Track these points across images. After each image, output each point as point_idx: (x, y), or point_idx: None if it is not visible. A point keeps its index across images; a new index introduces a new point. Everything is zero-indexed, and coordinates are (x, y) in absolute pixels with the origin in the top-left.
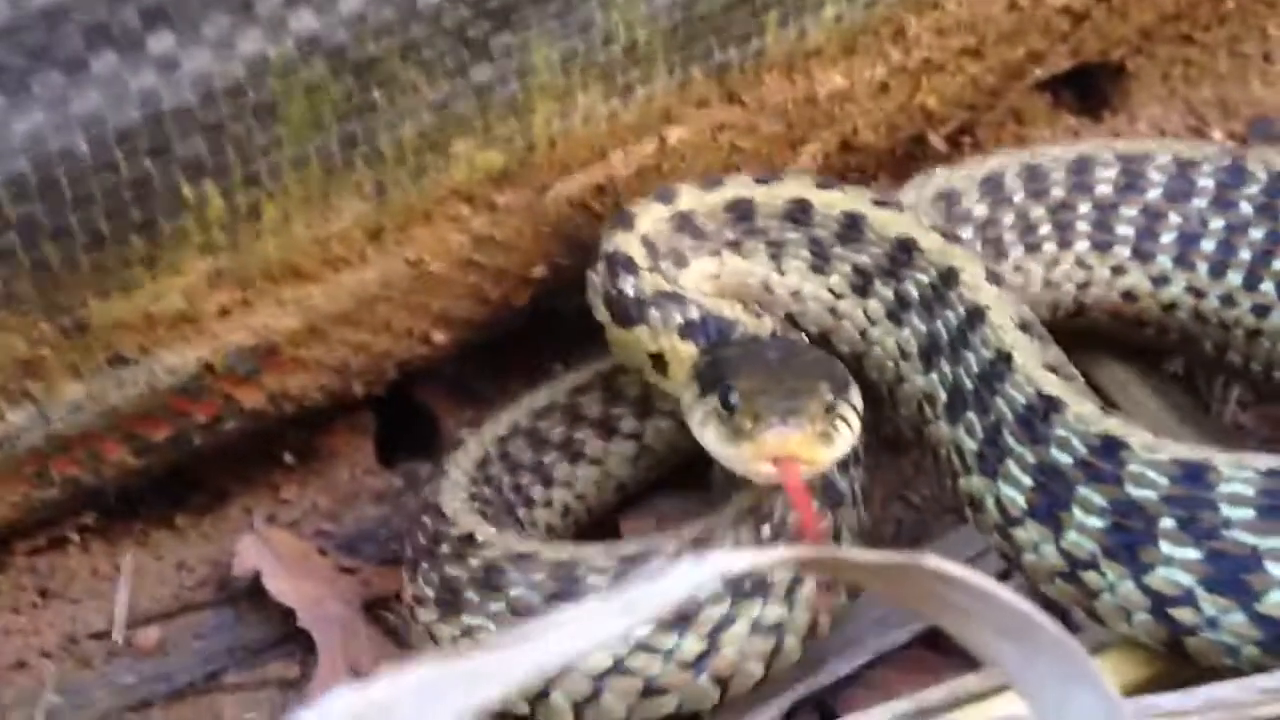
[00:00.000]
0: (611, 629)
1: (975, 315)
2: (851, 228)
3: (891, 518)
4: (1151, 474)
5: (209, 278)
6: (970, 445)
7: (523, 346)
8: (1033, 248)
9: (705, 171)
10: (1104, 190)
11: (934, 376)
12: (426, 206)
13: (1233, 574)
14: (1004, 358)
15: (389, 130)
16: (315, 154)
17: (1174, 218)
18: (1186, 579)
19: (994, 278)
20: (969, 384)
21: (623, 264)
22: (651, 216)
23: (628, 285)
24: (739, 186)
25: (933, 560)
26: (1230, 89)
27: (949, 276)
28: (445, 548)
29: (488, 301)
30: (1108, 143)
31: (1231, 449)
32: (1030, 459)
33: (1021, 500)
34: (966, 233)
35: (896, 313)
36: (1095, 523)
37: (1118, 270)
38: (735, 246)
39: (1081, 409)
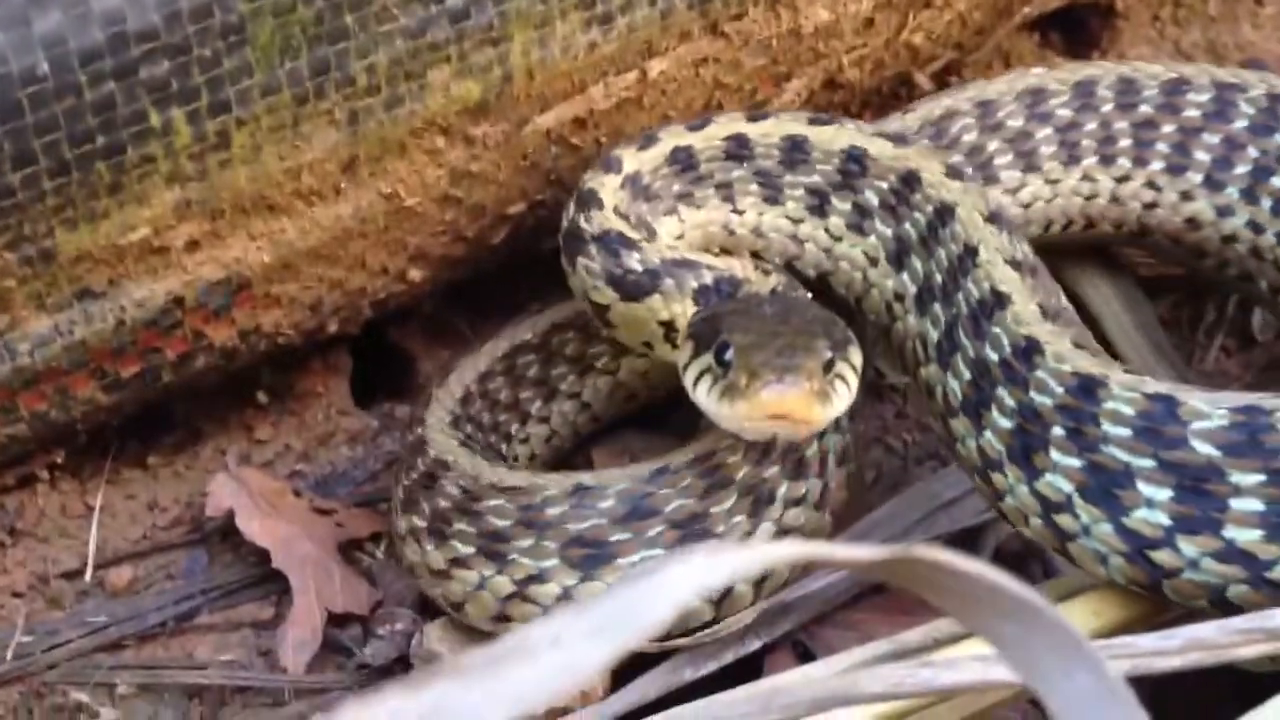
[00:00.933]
0: (592, 657)
1: (944, 212)
2: (795, 150)
3: (872, 463)
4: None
5: (177, 208)
6: (933, 336)
7: (500, 286)
8: (1107, 159)
9: (687, 107)
10: (1191, 114)
11: (904, 276)
12: (401, 138)
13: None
14: (971, 251)
15: (361, 57)
16: (286, 80)
17: (1252, 151)
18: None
19: (955, 173)
20: (939, 278)
21: (618, 240)
22: (610, 188)
23: (632, 260)
24: (673, 137)
25: (927, 550)
26: (1220, 32)
27: (909, 179)
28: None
29: (464, 238)
30: (1206, 67)
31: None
32: (1010, 402)
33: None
34: (1045, 131)
35: (858, 224)
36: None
37: (1186, 196)
38: (687, 198)
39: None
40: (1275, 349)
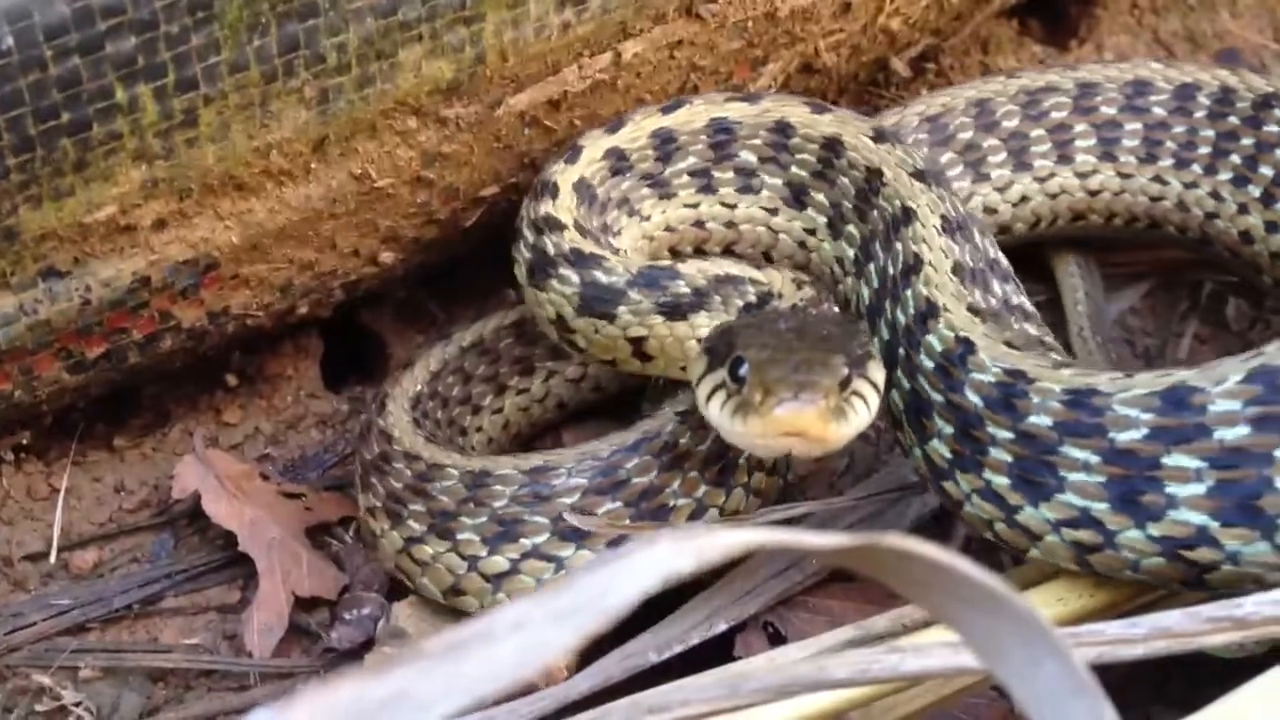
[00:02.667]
0: (554, 642)
1: (873, 176)
2: (720, 131)
3: (844, 450)
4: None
5: (144, 187)
6: (864, 294)
7: (472, 270)
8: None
9: (662, 90)
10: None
11: (842, 243)
12: (372, 118)
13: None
14: (907, 213)
15: (331, 34)
16: (254, 57)
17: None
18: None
19: (880, 136)
20: (878, 243)
21: (586, 258)
22: (566, 205)
23: (598, 274)
24: (597, 144)
25: (893, 538)
26: (1198, 20)
27: (832, 145)
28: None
29: (437, 221)
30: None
31: None
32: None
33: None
34: (1081, 125)
35: (790, 200)
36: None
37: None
38: (640, 199)
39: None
40: (1249, 337)
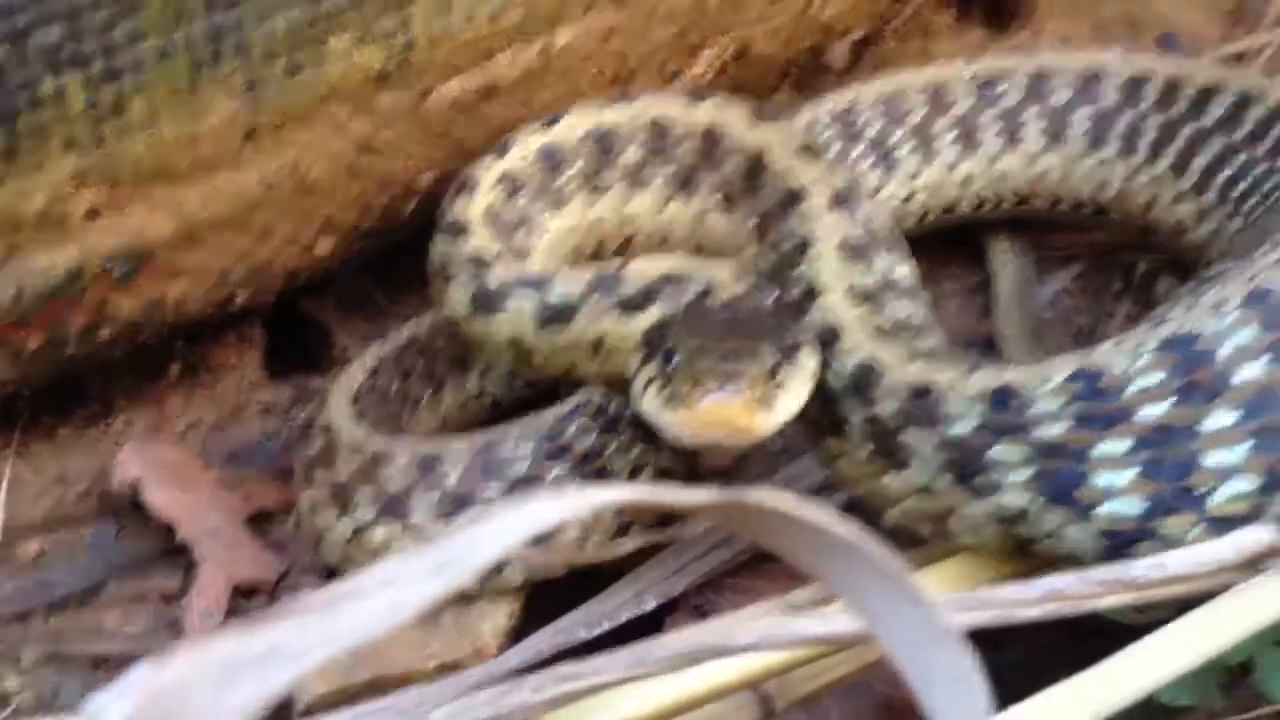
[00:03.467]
0: (423, 593)
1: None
2: (601, 137)
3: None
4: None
5: (74, 176)
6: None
7: (414, 257)
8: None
9: (598, 76)
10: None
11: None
12: (304, 107)
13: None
14: (794, 195)
15: (258, 22)
16: (181, 46)
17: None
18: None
19: (808, 152)
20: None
21: (533, 278)
22: (485, 239)
23: (553, 295)
24: (526, 143)
25: (759, 494)
26: (1136, 5)
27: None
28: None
29: (372, 210)
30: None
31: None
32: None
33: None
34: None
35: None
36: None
37: None
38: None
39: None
40: None
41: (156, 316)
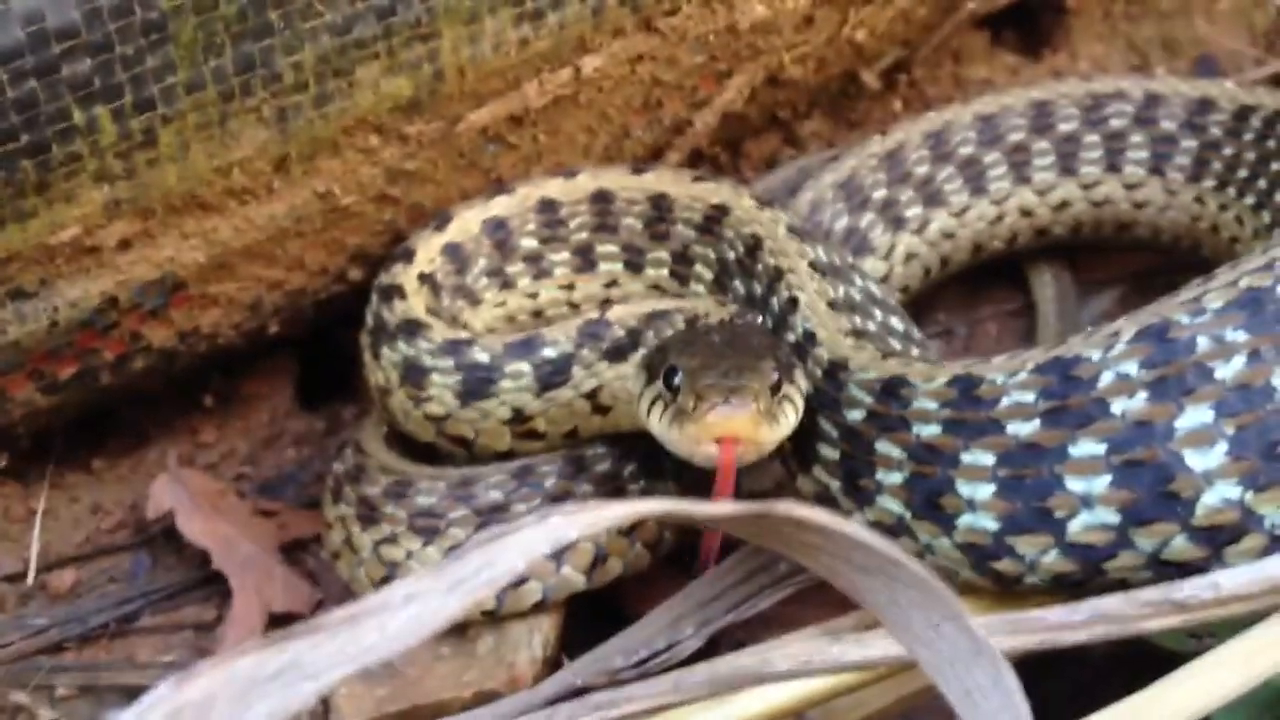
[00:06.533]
0: (443, 609)
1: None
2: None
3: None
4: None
5: (106, 207)
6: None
7: None
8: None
9: (625, 105)
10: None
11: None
12: (333, 136)
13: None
14: (756, 241)
15: (287, 53)
16: (211, 77)
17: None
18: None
19: (763, 203)
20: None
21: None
22: (424, 308)
23: (544, 350)
24: (464, 222)
25: (788, 506)
26: (1174, 26)
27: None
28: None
29: (404, 238)
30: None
31: None
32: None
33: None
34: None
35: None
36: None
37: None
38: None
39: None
40: None
41: (189, 347)
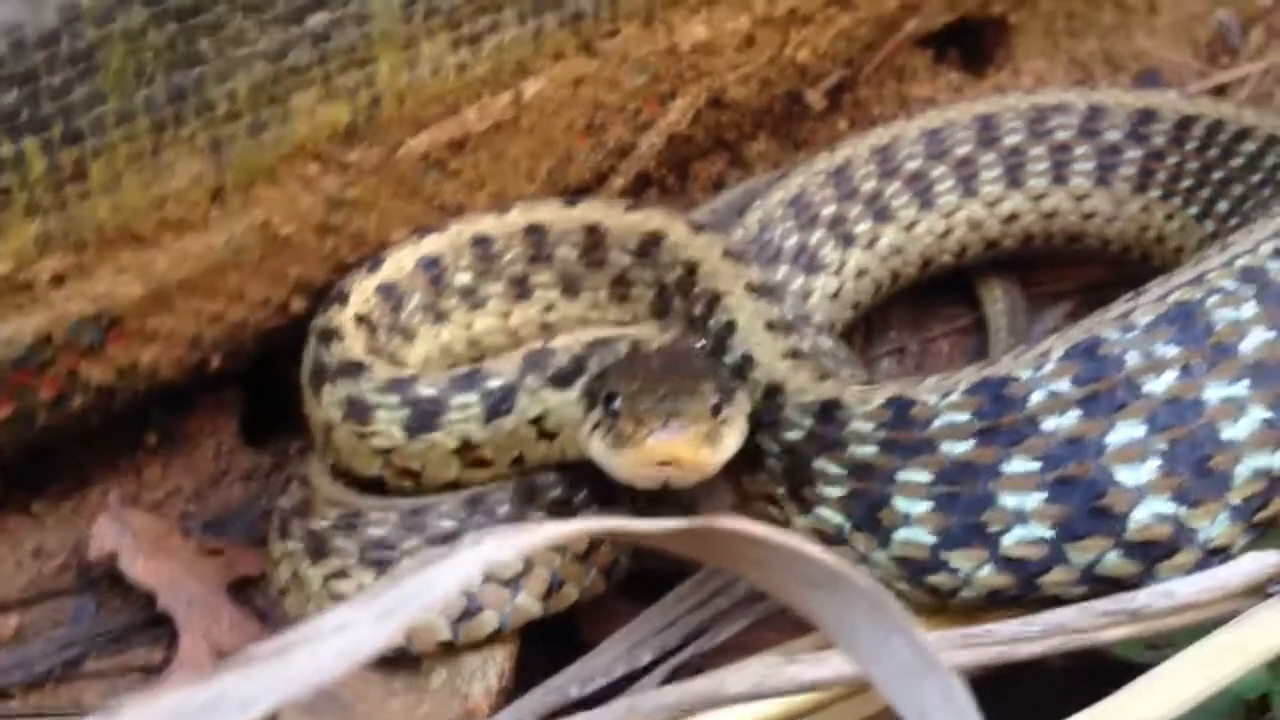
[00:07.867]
0: (376, 637)
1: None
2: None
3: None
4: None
5: (38, 241)
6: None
7: None
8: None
9: (569, 128)
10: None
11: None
12: (271, 165)
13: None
14: (692, 266)
15: (220, 81)
16: (142, 107)
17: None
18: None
19: (696, 228)
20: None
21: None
22: (356, 338)
23: (490, 382)
24: (398, 262)
25: (728, 520)
26: (1115, 41)
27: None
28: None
29: (347, 267)
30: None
31: None
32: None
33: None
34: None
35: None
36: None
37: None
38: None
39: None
40: None
41: (129, 384)
